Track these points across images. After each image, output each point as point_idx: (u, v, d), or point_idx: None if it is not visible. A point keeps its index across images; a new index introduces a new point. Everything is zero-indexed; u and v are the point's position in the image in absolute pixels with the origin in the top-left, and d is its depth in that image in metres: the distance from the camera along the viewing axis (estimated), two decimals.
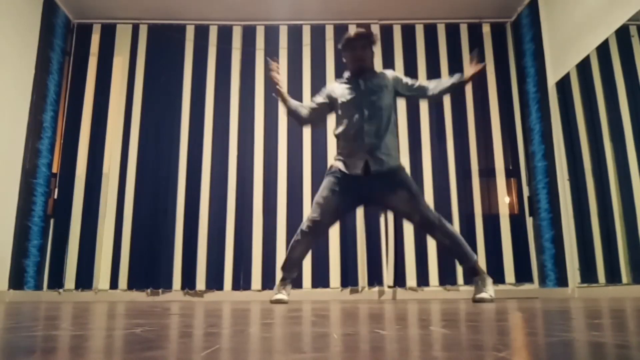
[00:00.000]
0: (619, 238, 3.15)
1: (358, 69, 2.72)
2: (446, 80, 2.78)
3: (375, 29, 4.56)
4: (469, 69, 2.72)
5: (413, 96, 2.81)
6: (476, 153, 4.30)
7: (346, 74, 2.81)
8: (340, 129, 2.67)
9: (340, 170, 2.63)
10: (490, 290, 2.59)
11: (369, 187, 2.60)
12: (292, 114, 2.81)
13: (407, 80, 2.80)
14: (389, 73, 2.80)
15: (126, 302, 3.30)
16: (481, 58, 2.74)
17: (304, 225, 2.66)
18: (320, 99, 2.82)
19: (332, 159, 2.77)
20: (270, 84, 2.78)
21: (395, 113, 2.75)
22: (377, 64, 4.47)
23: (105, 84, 4.41)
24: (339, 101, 2.71)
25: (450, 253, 2.67)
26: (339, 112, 2.71)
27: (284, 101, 2.78)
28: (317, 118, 2.83)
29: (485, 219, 4.17)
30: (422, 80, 2.84)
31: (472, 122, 4.36)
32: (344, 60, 2.80)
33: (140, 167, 4.24)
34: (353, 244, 4.08)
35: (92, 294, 3.98)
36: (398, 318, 1.26)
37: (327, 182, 2.65)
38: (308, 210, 4.12)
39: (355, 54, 2.70)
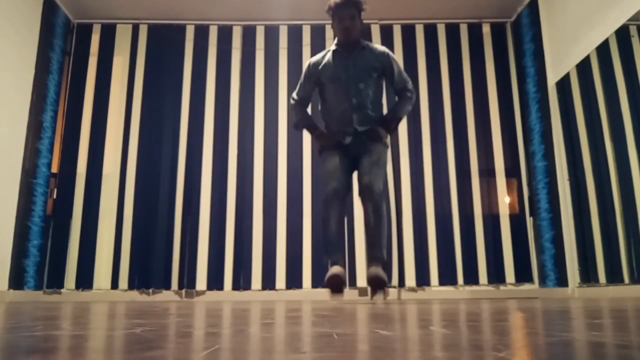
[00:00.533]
0: (619, 238, 3.15)
1: (345, 41, 2.54)
2: (407, 109, 2.72)
3: (375, 29, 4.56)
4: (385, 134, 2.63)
5: (392, 83, 2.67)
6: (476, 153, 4.30)
7: (334, 44, 2.63)
8: (325, 110, 2.64)
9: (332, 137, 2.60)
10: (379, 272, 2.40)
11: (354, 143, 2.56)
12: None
13: (397, 73, 2.63)
14: (381, 51, 2.62)
15: (126, 302, 3.30)
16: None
17: (326, 196, 2.50)
18: (309, 86, 2.67)
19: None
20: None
21: (381, 87, 2.66)
22: None
23: (105, 84, 4.41)
24: (325, 83, 2.58)
25: (368, 234, 2.48)
26: (325, 93, 2.61)
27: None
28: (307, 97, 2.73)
29: (485, 219, 4.17)
30: (402, 86, 2.69)
31: (472, 122, 4.36)
32: (332, 27, 2.62)
33: (140, 167, 4.24)
34: (352, 244, 4.08)
35: (92, 294, 3.98)
36: (397, 318, 1.26)
37: (324, 155, 2.60)
38: (308, 210, 4.13)
39: (342, 25, 2.50)
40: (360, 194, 2.50)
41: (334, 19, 2.54)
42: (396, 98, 2.76)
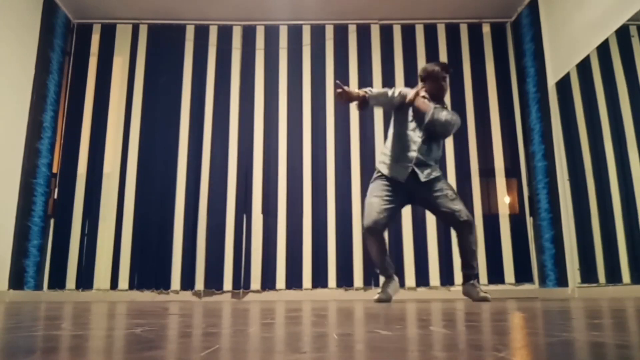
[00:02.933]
0: (619, 238, 3.15)
1: (435, 98, 2.86)
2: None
3: (375, 29, 4.56)
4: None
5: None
6: (476, 153, 4.30)
7: (423, 92, 2.88)
8: (398, 135, 2.81)
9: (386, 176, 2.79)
10: (481, 289, 2.70)
11: (414, 190, 2.77)
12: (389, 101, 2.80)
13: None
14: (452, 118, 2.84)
15: (126, 302, 3.30)
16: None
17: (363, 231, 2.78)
18: (397, 93, 2.82)
19: (380, 160, 2.89)
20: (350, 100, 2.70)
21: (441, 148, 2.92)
22: (376, 64, 4.49)
23: (105, 84, 4.41)
24: (410, 113, 2.80)
25: (464, 255, 2.79)
26: (407, 123, 2.80)
27: (364, 101, 2.71)
28: (384, 103, 2.84)
29: (485, 219, 4.17)
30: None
31: (472, 122, 4.36)
32: (424, 83, 2.90)
33: (141, 167, 4.24)
34: (352, 244, 4.08)
35: (92, 294, 3.98)
36: (398, 318, 1.26)
37: (374, 185, 2.81)
38: (308, 210, 4.13)
39: (438, 85, 2.86)
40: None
41: (431, 79, 2.87)
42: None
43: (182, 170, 4.24)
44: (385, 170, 2.79)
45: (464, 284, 2.79)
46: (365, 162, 4.22)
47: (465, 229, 2.70)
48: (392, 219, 2.83)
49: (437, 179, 2.78)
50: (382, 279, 2.89)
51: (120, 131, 4.31)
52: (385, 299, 2.73)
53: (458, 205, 2.70)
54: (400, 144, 2.78)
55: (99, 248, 4.06)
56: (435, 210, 2.79)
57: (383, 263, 2.79)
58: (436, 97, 2.86)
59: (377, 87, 2.99)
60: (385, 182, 2.76)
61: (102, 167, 4.23)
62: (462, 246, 2.76)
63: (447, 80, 2.90)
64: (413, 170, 2.72)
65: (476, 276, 2.77)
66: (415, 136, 2.76)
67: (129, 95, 4.39)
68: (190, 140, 4.31)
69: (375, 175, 2.85)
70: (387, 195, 2.73)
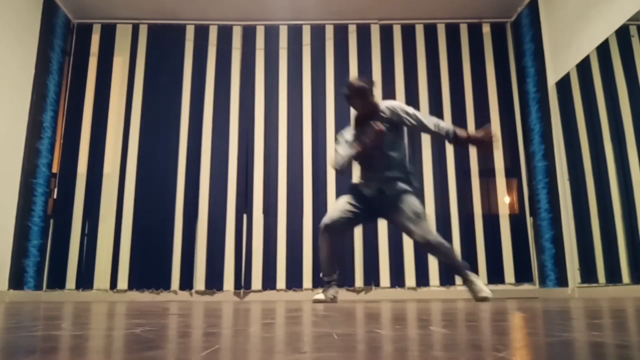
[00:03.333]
0: (619, 238, 3.15)
1: (364, 117, 2.83)
2: (446, 124, 2.77)
3: (375, 29, 4.56)
4: (476, 133, 2.72)
5: (414, 128, 2.86)
6: (476, 153, 4.30)
7: (352, 119, 2.94)
8: (360, 160, 2.85)
9: (357, 188, 2.86)
10: (485, 287, 2.64)
11: (380, 205, 2.80)
12: (348, 162, 2.82)
13: (408, 110, 2.84)
14: (391, 107, 2.83)
15: (126, 302, 3.30)
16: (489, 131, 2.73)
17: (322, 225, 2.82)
18: (343, 149, 2.86)
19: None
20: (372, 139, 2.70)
21: (404, 142, 2.87)
22: (376, 64, 4.48)
23: (105, 84, 4.41)
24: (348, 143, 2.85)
25: (446, 265, 2.92)
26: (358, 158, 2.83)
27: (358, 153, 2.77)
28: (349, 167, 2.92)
29: (485, 219, 4.18)
30: (423, 113, 2.94)
31: (472, 122, 4.36)
32: (351, 107, 2.96)
33: (140, 167, 4.24)
34: (352, 244, 4.08)
35: (92, 294, 3.98)
36: (398, 318, 1.26)
37: (346, 194, 2.88)
38: (308, 210, 4.14)
39: (354, 106, 2.87)
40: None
41: (347, 101, 2.90)
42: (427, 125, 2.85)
43: (182, 170, 4.24)
44: (357, 185, 2.87)
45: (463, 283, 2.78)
46: None
47: (428, 249, 2.73)
48: (350, 226, 2.91)
49: (404, 194, 2.75)
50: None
51: (120, 131, 4.31)
52: (325, 300, 2.75)
53: (415, 227, 2.67)
54: (364, 166, 2.85)
55: (98, 248, 4.06)
56: (400, 229, 2.82)
57: (329, 266, 2.81)
58: (360, 114, 2.83)
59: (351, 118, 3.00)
60: (356, 193, 2.83)
61: (102, 167, 4.23)
62: (437, 259, 2.87)
63: (364, 96, 2.80)
64: (380, 188, 2.77)
65: (464, 276, 2.67)
66: (375, 156, 2.76)
67: (129, 95, 4.39)
68: (190, 140, 4.31)
69: (348, 187, 2.94)
70: (354, 202, 2.79)
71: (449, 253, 2.69)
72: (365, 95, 2.80)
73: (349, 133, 2.90)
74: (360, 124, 2.85)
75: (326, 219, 2.78)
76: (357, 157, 2.78)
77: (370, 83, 2.85)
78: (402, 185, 2.76)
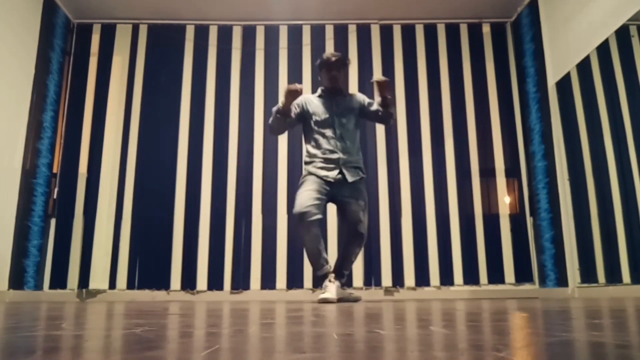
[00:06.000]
0: (619, 238, 3.15)
1: (332, 88, 2.95)
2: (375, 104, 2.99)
3: (375, 29, 4.56)
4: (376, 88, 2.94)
5: (372, 119, 3.09)
6: (476, 153, 4.30)
7: (320, 90, 3.02)
8: (313, 144, 2.89)
9: (317, 175, 2.84)
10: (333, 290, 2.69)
11: (337, 190, 2.83)
12: (278, 120, 2.89)
13: (369, 102, 3.02)
14: (358, 96, 3.04)
15: (126, 302, 3.30)
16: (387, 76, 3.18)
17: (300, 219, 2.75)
18: (295, 110, 2.94)
19: (305, 161, 2.93)
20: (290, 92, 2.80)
21: (359, 132, 3.02)
22: (376, 64, 4.49)
23: (105, 84, 4.41)
24: (314, 119, 2.91)
25: (342, 262, 2.88)
26: (314, 127, 2.91)
27: (286, 109, 2.84)
28: (287, 127, 3.04)
29: (485, 219, 4.17)
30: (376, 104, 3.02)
31: (472, 122, 4.36)
32: (319, 78, 3.03)
33: (140, 167, 4.24)
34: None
35: (92, 294, 3.98)
36: (397, 318, 1.26)
37: (304, 180, 2.86)
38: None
39: (330, 74, 2.93)
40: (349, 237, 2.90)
41: (322, 69, 2.97)
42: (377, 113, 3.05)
43: (181, 170, 4.24)
44: (314, 171, 2.84)
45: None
46: (365, 161, 4.22)
47: (359, 241, 2.84)
48: (322, 212, 2.84)
49: (361, 182, 2.88)
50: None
51: (120, 131, 4.31)
52: (331, 299, 2.63)
53: (364, 217, 2.81)
54: (321, 147, 2.86)
55: (98, 248, 4.06)
56: (343, 213, 2.85)
57: (318, 258, 2.75)
58: (332, 85, 2.93)
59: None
60: (316, 179, 2.81)
61: (102, 167, 4.23)
62: (346, 254, 2.87)
63: (342, 69, 2.96)
64: (341, 171, 2.81)
65: (344, 282, 2.87)
66: (330, 135, 2.86)
67: (128, 95, 4.39)
68: (190, 140, 4.31)
69: (304, 174, 2.90)
70: (317, 189, 2.77)
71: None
72: (347, 68, 3.01)
73: (312, 104, 2.94)
74: (329, 96, 2.95)
75: (298, 208, 2.71)
76: (312, 137, 2.87)
77: None
78: (360, 173, 2.89)
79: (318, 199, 2.75)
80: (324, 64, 2.94)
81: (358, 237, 2.83)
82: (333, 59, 2.92)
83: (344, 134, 2.87)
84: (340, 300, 2.71)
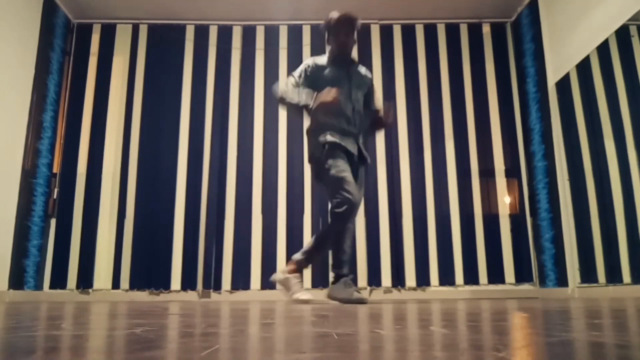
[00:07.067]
0: (620, 238, 3.15)
1: (341, 54, 2.65)
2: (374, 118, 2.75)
3: (375, 29, 4.56)
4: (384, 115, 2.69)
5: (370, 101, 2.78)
6: (476, 153, 4.30)
7: (329, 54, 2.70)
8: (325, 111, 2.51)
9: (341, 145, 2.52)
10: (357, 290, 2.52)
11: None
12: (296, 110, 2.64)
13: (374, 94, 2.79)
14: (369, 74, 2.77)
15: (126, 302, 3.30)
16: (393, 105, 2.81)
17: (341, 209, 2.39)
18: (303, 81, 2.64)
19: (323, 134, 2.54)
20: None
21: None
22: (376, 64, 4.49)
23: (105, 84, 4.41)
24: (326, 79, 2.58)
25: (333, 244, 2.56)
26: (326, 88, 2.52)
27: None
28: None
29: (485, 219, 4.18)
30: (378, 103, 2.83)
31: (472, 122, 4.36)
32: (328, 40, 2.70)
33: (141, 167, 4.24)
34: (354, 244, 4.07)
35: (92, 294, 3.98)
36: (398, 318, 1.26)
37: (340, 157, 2.49)
38: (308, 210, 4.13)
39: (339, 40, 2.62)
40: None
41: (331, 33, 2.65)
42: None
43: (182, 170, 4.24)
44: (340, 139, 2.50)
45: (334, 283, 2.51)
46: None
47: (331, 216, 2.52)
48: None
49: (366, 162, 2.66)
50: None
51: (121, 131, 4.31)
52: (361, 299, 2.39)
53: (361, 200, 2.61)
54: (339, 118, 2.53)
55: (99, 248, 4.06)
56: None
57: (344, 255, 2.46)
58: (341, 51, 2.62)
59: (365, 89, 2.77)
60: (343, 154, 2.50)
61: (102, 167, 4.23)
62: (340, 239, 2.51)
63: (351, 33, 2.60)
64: (360, 150, 2.58)
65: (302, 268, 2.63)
66: (349, 110, 2.54)
67: (129, 95, 4.39)
68: (190, 140, 4.31)
69: (330, 145, 2.49)
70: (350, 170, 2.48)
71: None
72: (356, 30, 2.62)
73: (326, 71, 2.60)
74: (341, 64, 2.63)
75: (355, 198, 2.37)
76: (329, 107, 2.47)
77: None
78: (366, 153, 2.67)
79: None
80: (331, 27, 2.60)
81: (350, 218, 2.48)
82: (341, 21, 2.55)
83: (358, 109, 2.60)
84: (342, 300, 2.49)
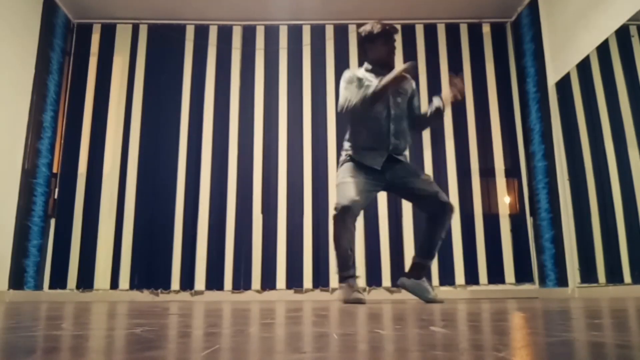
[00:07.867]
0: (620, 237, 3.15)
1: (385, 63, 2.67)
2: (425, 113, 2.77)
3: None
4: (448, 91, 2.65)
5: (412, 104, 2.78)
6: (476, 153, 4.30)
7: (367, 65, 2.73)
8: (363, 126, 2.60)
9: (359, 161, 2.59)
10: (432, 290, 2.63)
11: (391, 176, 2.61)
12: (371, 102, 2.55)
13: (417, 99, 2.82)
14: (412, 82, 2.80)
15: (126, 302, 3.30)
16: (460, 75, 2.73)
17: (334, 212, 2.49)
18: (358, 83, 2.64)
19: (346, 148, 2.67)
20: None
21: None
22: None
23: (105, 84, 4.41)
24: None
25: (430, 242, 2.65)
26: (361, 115, 2.61)
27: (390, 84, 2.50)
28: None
29: (485, 218, 4.18)
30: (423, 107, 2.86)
31: (472, 122, 4.37)
32: (368, 51, 2.73)
33: (141, 167, 4.24)
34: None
35: (92, 294, 3.99)
36: (397, 318, 1.26)
37: (347, 167, 2.60)
38: (308, 210, 4.13)
39: (388, 48, 2.68)
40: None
41: (377, 42, 2.67)
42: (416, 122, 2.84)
43: (182, 170, 4.24)
44: (359, 157, 2.58)
45: (410, 277, 2.63)
46: None
47: (448, 212, 2.54)
48: (366, 205, 2.64)
49: (407, 162, 2.68)
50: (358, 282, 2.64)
51: (120, 131, 4.31)
52: (359, 299, 2.43)
53: (437, 187, 2.58)
54: (370, 129, 2.59)
55: (99, 248, 4.06)
56: (413, 194, 2.62)
57: (350, 257, 2.49)
58: (387, 60, 2.67)
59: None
60: (358, 166, 2.56)
61: (102, 167, 4.23)
62: (434, 232, 2.57)
63: (394, 42, 2.69)
64: (389, 157, 2.58)
65: (425, 270, 2.68)
66: (383, 116, 2.58)
67: (129, 95, 4.40)
68: (190, 140, 4.31)
69: (344, 159, 2.65)
70: (363, 177, 2.53)
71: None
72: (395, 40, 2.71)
73: (367, 82, 2.59)
74: (380, 72, 2.62)
75: (344, 201, 2.43)
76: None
77: None
78: (405, 158, 2.70)
79: (366, 191, 2.51)
80: (381, 35, 2.64)
81: (444, 207, 2.53)
82: (391, 30, 2.64)
83: (399, 115, 2.63)
84: (425, 298, 2.62)
